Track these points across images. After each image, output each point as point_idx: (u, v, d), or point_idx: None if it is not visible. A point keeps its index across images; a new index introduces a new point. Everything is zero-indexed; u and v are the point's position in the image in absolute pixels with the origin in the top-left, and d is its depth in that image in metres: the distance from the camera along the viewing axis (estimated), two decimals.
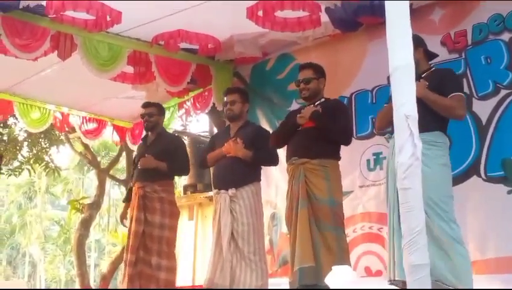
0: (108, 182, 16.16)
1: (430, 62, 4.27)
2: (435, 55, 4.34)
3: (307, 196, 4.47)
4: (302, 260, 4.35)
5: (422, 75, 4.04)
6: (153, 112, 5.79)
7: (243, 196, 4.92)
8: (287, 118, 4.97)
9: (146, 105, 5.84)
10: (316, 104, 4.72)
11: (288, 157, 4.72)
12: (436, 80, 4.00)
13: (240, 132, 5.13)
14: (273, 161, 5.16)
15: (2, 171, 10.17)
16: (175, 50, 6.01)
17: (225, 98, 5.26)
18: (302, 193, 4.48)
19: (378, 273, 5.18)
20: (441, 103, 3.90)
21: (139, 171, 5.67)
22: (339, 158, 4.68)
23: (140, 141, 6.19)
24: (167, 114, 7.08)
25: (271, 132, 5.44)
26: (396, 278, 3.84)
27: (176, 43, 5.91)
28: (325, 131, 4.56)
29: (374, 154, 5.46)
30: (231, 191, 4.92)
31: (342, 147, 4.71)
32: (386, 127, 4.29)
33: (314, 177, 4.51)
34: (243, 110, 5.21)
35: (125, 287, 5.42)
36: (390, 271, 3.95)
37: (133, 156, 6.64)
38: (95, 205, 11.06)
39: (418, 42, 4.06)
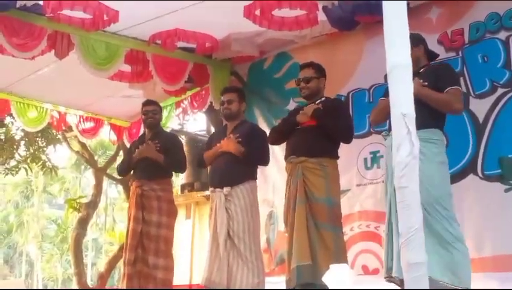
0: (106, 181, 16.14)
1: (431, 61, 4.27)
2: (436, 55, 4.35)
3: (305, 195, 4.48)
4: (300, 258, 4.35)
5: (420, 71, 4.04)
6: (157, 109, 5.83)
7: (238, 195, 4.92)
8: (289, 116, 4.97)
9: (149, 102, 5.84)
10: (316, 102, 4.73)
11: (287, 156, 4.72)
12: (432, 75, 4.01)
13: (236, 130, 5.14)
14: (265, 160, 5.13)
15: None
16: (172, 49, 6.01)
17: (222, 98, 5.26)
18: (300, 191, 4.49)
19: (376, 271, 5.19)
20: (436, 98, 3.90)
21: (138, 169, 5.67)
22: (337, 157, 4.69)
23: (136, 139, 6.18)
24: (164, 113, 7.09)
25: (267, 130, 5.44)
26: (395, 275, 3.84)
27: (173, 42, 5.90)
28: (326, 129, 4.57)
29: (371, 152, 5.46)
30: (226, 190, 4.92)
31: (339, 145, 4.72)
32: (382, 122, 4.29)
33: (312, 175, 4.51)
34: (240, 109, 5.22)
35: (125, 286, 5.43)
36: (386, 268, 3.95)
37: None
38: (92, 204, 11.04)
39: (419, 40, 4.08)
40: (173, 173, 6.12)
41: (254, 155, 5.03)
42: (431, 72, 4.06)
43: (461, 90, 4.07)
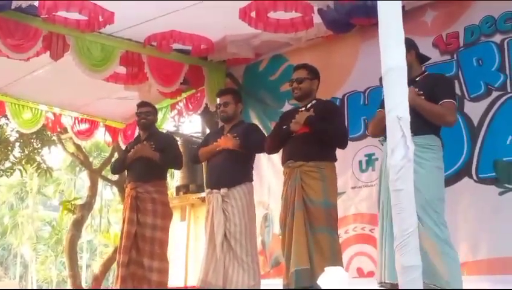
0: (101, 183, 16.11)
1: (422, 64, 4.29)
2: (427, 58, 4.35)
3: (303, 200, 4.47)
4: (298, 262, 4.35)
5: (416, 79, 4.05)
6: (150, 110, 5.83)
7: (235, 196, 4.92)
8: (280, 120, 4.96)
9: (143, 104, 5.85)
10: (308, 105, 4.72)
11: (284, 161, 4.71)
12: (429, 85, 4.02)
13: (233, 130, 5.14)
14: (263, 147, 5.08)
15: None
16: (168, 51, 6.00)
17: (218, 100, 5.26)
18: (298, 195, 4.48)
19: (370, 274, 5.18)
20: (430, 109, 3.90)
21: (132, 171, 5.66)
22: (335, 160, 4.69)
23: (132, 140, 6.17)
24: (160, 115, 7.08)
25: (263, 130, 5.45)
26: (386, 281, 3.85)
27: (168, 44, 5.90)
28: (320, 135, 4.56)
29: (366, 155, 5.46)
30: (223, 191, 4.92)
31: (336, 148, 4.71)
32: (380, 134, 4.28)
33: (309, 179, 4.51)
34: (237, 111, 5.23)
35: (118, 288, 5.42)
36: (381, 273, 3.96)
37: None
38: (87, 206, 11.04)
39: (410, 45, 4.06)
40: (167, 174, 6.11)
41: (252, 145, 5.03)
42: (428, 82, 4.06)
43: (456, 104, 4.08)
